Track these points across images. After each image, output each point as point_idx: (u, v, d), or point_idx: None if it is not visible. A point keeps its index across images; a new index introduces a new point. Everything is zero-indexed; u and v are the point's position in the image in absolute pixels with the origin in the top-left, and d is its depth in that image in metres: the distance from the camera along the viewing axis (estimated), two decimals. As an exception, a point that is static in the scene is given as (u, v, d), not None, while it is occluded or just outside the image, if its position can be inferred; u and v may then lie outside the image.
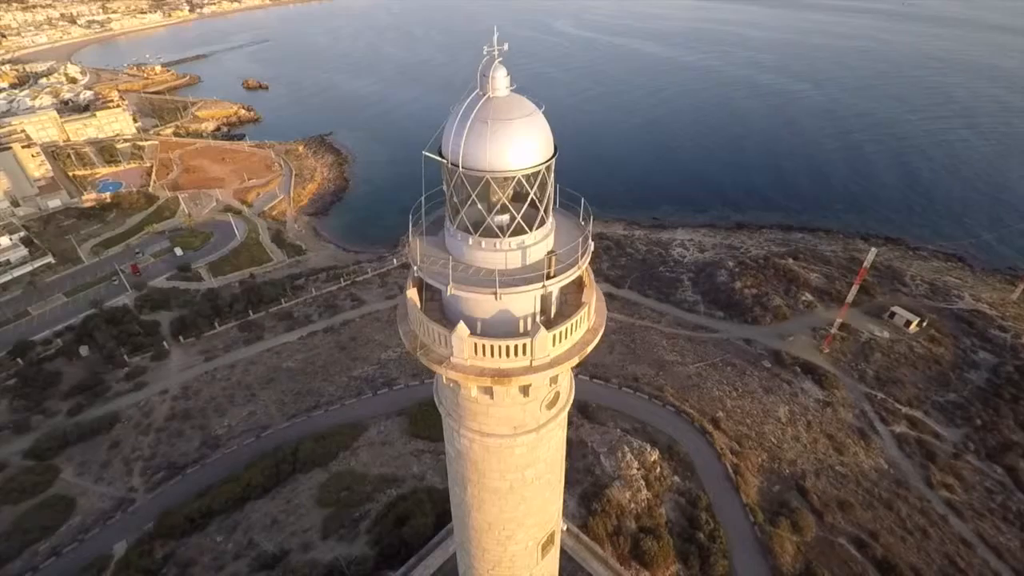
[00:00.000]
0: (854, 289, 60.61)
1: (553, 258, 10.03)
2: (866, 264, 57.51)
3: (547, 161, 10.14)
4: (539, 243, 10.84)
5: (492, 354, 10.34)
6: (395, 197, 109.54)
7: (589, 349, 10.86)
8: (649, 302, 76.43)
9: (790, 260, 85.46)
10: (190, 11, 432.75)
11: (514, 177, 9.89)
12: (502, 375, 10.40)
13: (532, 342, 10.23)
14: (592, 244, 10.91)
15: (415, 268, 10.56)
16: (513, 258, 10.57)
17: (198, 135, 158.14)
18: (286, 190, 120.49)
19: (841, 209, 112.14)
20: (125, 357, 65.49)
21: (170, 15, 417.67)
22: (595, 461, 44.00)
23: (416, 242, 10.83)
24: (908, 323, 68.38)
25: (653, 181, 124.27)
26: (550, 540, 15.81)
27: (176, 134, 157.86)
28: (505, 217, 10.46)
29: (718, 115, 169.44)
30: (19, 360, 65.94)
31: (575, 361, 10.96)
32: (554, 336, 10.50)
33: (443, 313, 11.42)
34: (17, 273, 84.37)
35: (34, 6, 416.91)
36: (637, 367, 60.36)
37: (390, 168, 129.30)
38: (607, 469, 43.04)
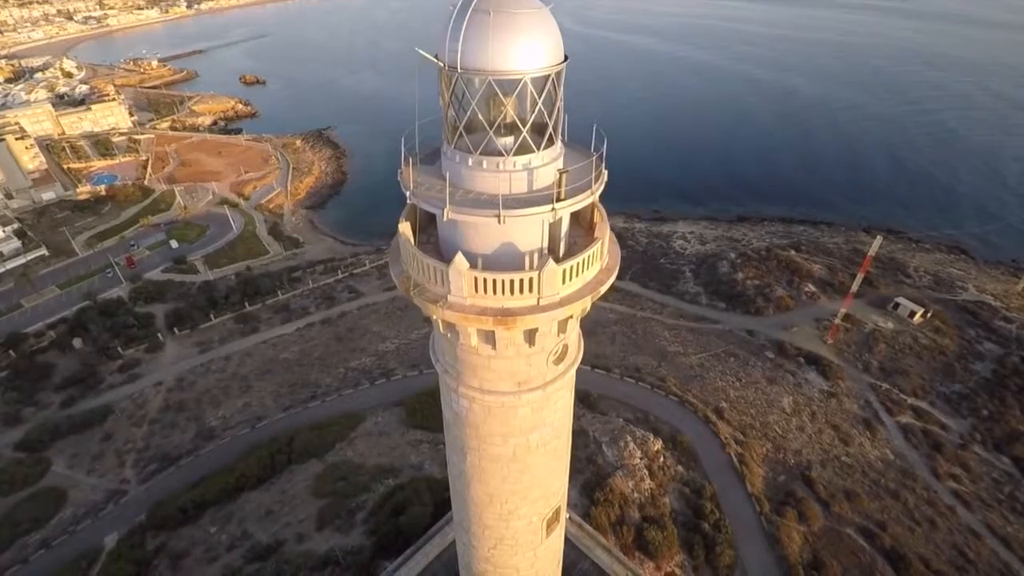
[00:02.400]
0: (859, 278, 59.80)
1: (564, 176, 8.96)
2: (871, 252, 56.68)
3: (557, 66, 8.97)
4: (547, 165, 9.68)
5: (495, 290, 9.23)
6: (393, 191, 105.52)
7: (603, 289, 9.78)
8: (650, 294, 75.53)
9: (792, 252, 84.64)
10: (187, 7, 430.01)
11: (520, 80, 8.64)
12: (506, 315, 9.31)
13: (540, 276, 9.09)
14: (606, 173, 9.91)
15: (408, 195, 9.51)
16: (518, 181, 9.42)
17: (194, 129, 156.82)
18: (283, 183, 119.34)
19: (843, 202, 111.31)
20: (119, 349, 64.50)
21: (167, 11, 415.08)
22: (597, 450, 43.12)
23: (409, 168, 9.71)
24: (912, 314, 67.56)
25: (653, 174, 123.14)
26: (555, 517, 14.79)
27: (172, 128, 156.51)
28: (509, 139, 9.35)
29: (717, 109, 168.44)
30: (11, 352, 64.88)
31: (587, 304, 9.91)
32: (564, 271, 9.42)
33: (439, 254, 10.35)
34: (10, 265, 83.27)
35: (30, 2, 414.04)
36: (639, 358, 59.49)
37: (388, 162, 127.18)
38: (609, 458, 42.16)
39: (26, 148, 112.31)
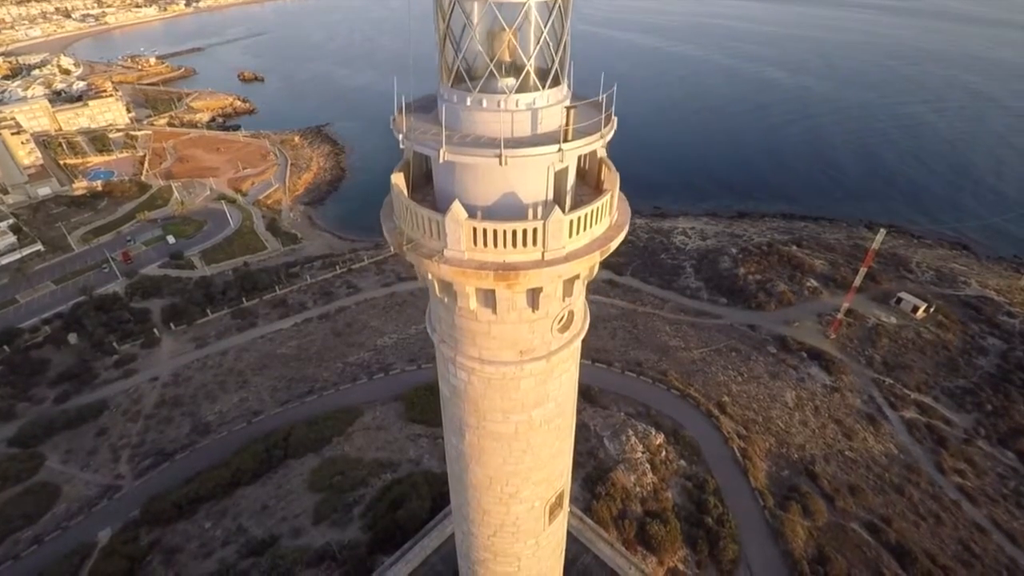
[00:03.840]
0: (862, 272, 59.24)
1: (572, 113, 8.19)
2: (875, 246, 56.11)
3: None
4: (552, 107, 8.83)
5: (495, 243, 8.48)
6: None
7: (613, 246, 9.09)
8: (651, 289, 74.93)
9: (794, 247, 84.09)
10: (186, 5, 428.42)
11: (523, 5, 7.74)
12: (507, 270, 8.53)
13: (545, 226, 8.35)
14: (616, 120, 9.23)
15: (400, 139, 8.80)
16: (521, 122, 8.53)
17: (192, 125, 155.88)
18: (281, 179, 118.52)
19: (844, 198, 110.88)
20: (114, 344, 63.80)
21: (166, 9, 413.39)
22: (598, 444, 42.52)
23: (402, 115, 8.93)
24: (915, 309, 67.03)
25: (653, 170, 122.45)
26: (559, 502, 14.09)
27: (170, 124, 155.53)
28: (511, 79, 8.58)
29: (717, 106, 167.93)
30: (5, 347, 64.16)
31: (595, 263, 9.20)
32: (572, 222, 8.65)
33: (435, 208, 9.52)
34: (5, 261, 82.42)
35: (28, 0, 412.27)
36: (640, 352, 58.88)
37: (387, 158, 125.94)
38: (611, 452, 41.55)
39: (22, 143, 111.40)
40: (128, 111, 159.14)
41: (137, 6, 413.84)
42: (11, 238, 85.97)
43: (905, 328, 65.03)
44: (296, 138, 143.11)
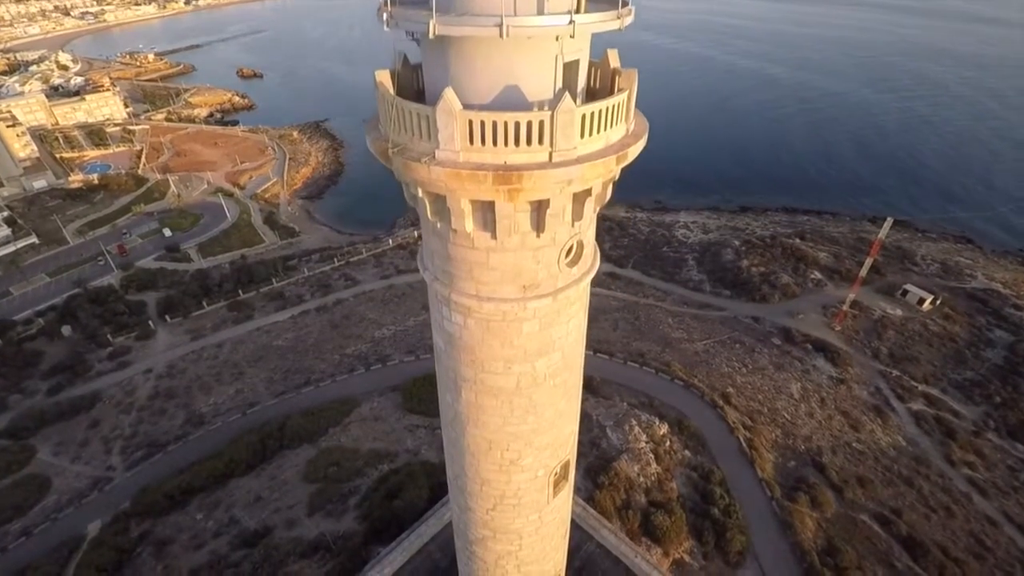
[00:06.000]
0: (868, 262, 58.25)
1: None
2: (881, 235, 55.14)
3: None
4: None
5: (495, 139, 7.27)
6: (391, 182, 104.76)
7: (631, 155, 7.96)
8: (653, 281, 73.92)
9: (797, 240, 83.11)
10: (185, 3, 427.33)
11: None
12: (509, 171, 7.33)
13: (554, 118, 7.10)
14: (634, 11, 8.19)
15: (384, 21, 7.45)
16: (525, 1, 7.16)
17: (190, 121, 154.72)
18: (280, 173, 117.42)
19: (847, 193, 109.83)
20: (109, 337, 62.80)
21: (165, 6, 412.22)
22: (601, 434, 41.51)
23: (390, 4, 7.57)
24: (921, 301, 66.06)
25: (654, 165, 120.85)
26: (563, 474, 12.99)
27: (168, 119, 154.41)
28: None
29: (717, 102, 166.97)
30: (-3, 339, 63.13)
31: (611, 169, 7.96)
32: (584, 117, 7.39)
33: None
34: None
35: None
36: (642, 343, 57.86)
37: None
38: (614, 442, 40.53)
39: (17, 136, 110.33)
40: (126, 106, 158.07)
41: (136, 4, 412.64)
42: (5, 231, 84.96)
43: (911, 320, 64.05)
44: (295, 133, 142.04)
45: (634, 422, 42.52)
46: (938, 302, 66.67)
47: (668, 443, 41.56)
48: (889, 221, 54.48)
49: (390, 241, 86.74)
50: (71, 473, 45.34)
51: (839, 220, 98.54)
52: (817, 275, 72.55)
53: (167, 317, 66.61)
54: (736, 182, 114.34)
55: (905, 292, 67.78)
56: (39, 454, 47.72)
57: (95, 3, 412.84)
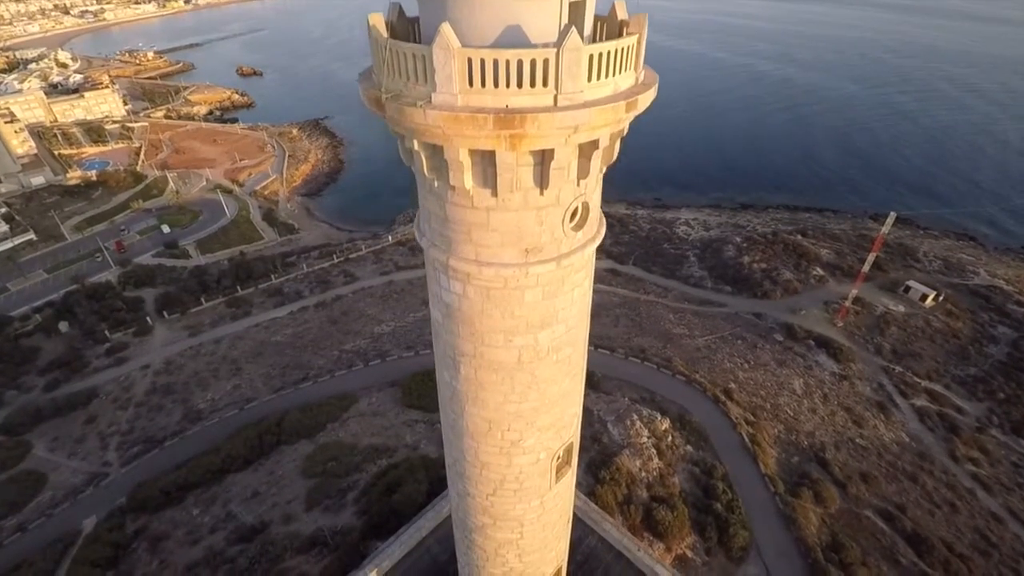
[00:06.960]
0: (871, 257, 57.86)
1: None
2: (884, 230, 54.73)
3: None
4: None
5: (495, 80, 6.76)
6: (391, 179, 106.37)
7: (641, 104, 7.42)
8: (654, 278, 73.49)
9: (799, 236, 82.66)
10: (185, 2, 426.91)
11: None
12: (511, 115, 6.80)
13: (559, 56, 6.60)
14: None
15: None
16: None
17: (190, 118, 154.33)
18: (279, 171, 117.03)
19: (848, 190, 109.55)
20: (106, 333, 62.46)
21: (164, 5, 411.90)
22: (602, 429, 41.08)
23: None
24: (924, 297, 65.64)
25: (654, 163, 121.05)
26: (567, 459, 12.56)
27: (167, 117, 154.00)
28: None
29: (717, 100, 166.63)
30: (-6, 335, 62.72)
31: (620, 117, 7.42)
32: (592, 58, 6.90)
33: None
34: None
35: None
36: (643, 339, 57.46)
37: (386, 151, 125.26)
38: (615, 437, 40.10)
39: (15, 132, 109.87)
40: (125, 103, 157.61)
41: (136, 2, 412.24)
42: (3, 227, 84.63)
43: (914, 316, 63.63)
44: (294, 131, 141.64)
45: (635, 417, 42.11)
46: (941, 298, 66.27)
47: (670, 438, 41.15)
48: (892, 216, 54.07)
49: (390, 238, 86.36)
50: (67, 469, 44.96)
51: (840, 217, 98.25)
52: (819, 271, 72.15)
53: (165, 313, 66.20)
54: (736, 179, 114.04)
55: (907, 288, 67.38)
56: (35, 450, 47.36)
57: (95, 2, 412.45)
